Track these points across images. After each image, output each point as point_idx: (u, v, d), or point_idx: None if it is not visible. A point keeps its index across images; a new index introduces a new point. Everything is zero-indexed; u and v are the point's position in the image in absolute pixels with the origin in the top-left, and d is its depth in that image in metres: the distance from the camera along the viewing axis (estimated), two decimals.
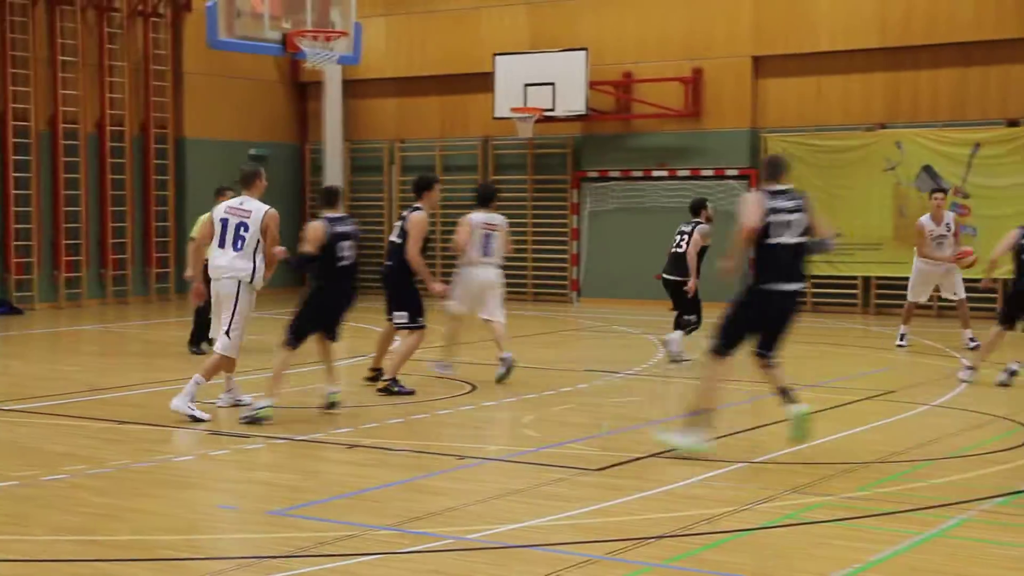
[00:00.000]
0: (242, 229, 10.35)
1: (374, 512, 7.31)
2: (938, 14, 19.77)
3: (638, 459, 8.85)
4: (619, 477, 8.32)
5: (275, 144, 25.27)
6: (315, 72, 21.41)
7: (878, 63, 20.43)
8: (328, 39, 17.53)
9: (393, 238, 11.97)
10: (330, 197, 10.97)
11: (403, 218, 11.98)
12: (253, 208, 10.41)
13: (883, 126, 20.29)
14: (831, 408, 10.94)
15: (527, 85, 21.69)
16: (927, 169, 19.80)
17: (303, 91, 25.76)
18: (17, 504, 7.57)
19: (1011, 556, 6.39)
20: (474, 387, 12.23)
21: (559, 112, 21.60)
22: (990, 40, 19.47)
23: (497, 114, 22.14)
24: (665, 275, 14.10)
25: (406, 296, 11.84)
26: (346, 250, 10.64)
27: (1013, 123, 19.38)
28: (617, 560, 6.34)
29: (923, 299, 15.92)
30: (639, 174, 22.19)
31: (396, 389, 11.63)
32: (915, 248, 15.68)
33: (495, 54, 22.33)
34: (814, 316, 20.04)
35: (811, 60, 20.91)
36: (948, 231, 15.34)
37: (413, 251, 11.70)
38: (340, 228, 10.67)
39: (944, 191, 16.10)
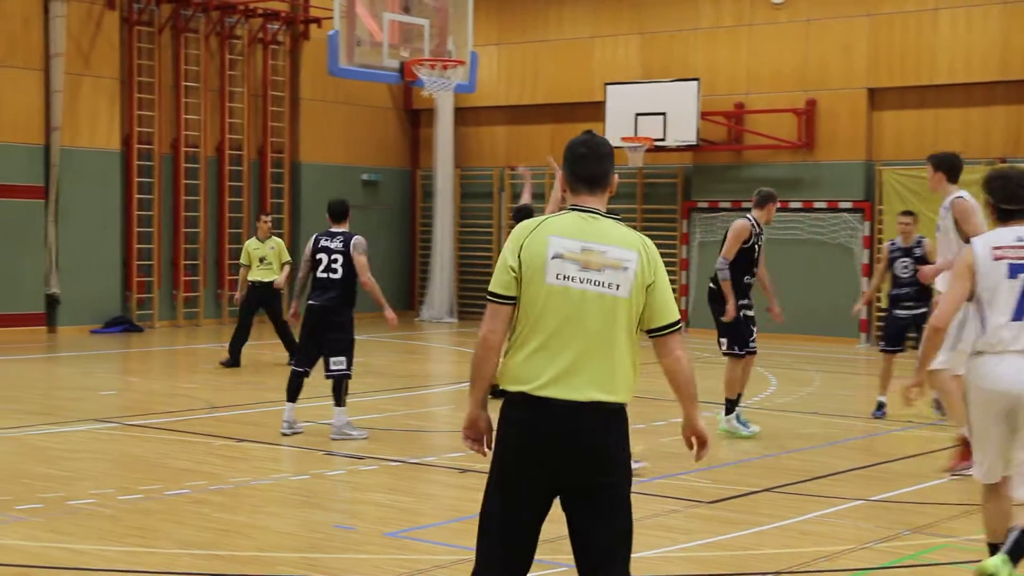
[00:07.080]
0: None
1: None
2: None
3: (752, 493, 8.80)
4: (732, 511, 8.27)
5: (387, 170, 25.62)
6: (427, 99, 21.65)
7: (999, 96, 20.08)
8: (445, 68, 17.73)
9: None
10: None
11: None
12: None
13: (1003, 160, 19.90)
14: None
15: (638, 115, 21.69)
16: None
17: (415, 118, 26.09)
18: (143, 517, 7.77)
19: None
20: None
21: (670, 142, 21.57)
22: None
23: None
24: None
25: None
26: None
27: None
28: None
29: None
30: (750, 205, 21.97)
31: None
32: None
33: (607, 83, 22.41)
34: None
35: (929, 93, 20.62)
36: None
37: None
38: None
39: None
